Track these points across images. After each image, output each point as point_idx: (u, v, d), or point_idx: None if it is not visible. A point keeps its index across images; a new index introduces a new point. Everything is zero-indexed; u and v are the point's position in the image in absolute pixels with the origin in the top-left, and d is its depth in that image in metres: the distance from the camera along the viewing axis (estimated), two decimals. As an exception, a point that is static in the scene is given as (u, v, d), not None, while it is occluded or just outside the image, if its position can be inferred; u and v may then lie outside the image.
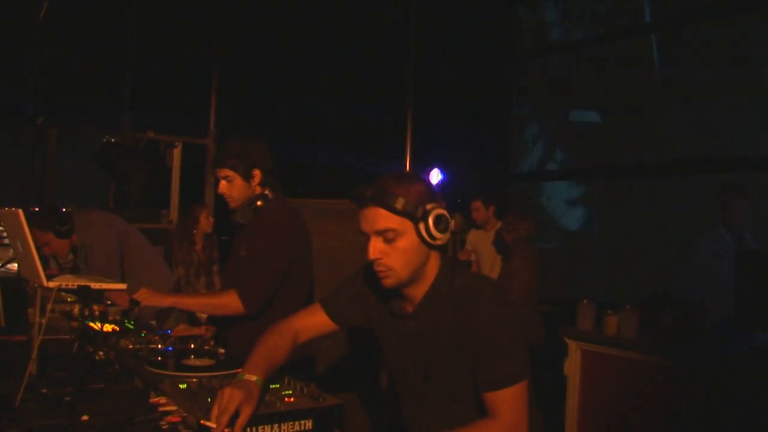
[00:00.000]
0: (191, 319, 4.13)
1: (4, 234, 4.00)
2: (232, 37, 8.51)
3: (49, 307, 2.24)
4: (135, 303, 2.78)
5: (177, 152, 8.18)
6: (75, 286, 2.35)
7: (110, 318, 2.55)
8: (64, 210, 4.08)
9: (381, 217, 1.82)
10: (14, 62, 7.88)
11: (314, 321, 2.19)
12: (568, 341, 4.37)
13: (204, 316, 3.43)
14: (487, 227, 6.08)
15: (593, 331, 4.32)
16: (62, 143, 7.72)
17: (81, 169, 8.54)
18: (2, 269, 3.66)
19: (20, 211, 2.15)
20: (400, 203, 1.79)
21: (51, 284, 2.23)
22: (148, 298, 2.73)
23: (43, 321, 2.15)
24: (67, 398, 1.94)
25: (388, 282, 1.87)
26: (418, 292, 1.93)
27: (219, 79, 8.58)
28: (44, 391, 2.01)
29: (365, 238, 1.86)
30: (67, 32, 8.32)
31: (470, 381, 1.88)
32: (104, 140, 7.96)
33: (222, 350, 2.47)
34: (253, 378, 1.85)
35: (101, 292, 2.79)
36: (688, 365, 3.87)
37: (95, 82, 8.93)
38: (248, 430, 1.69)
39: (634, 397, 4.07)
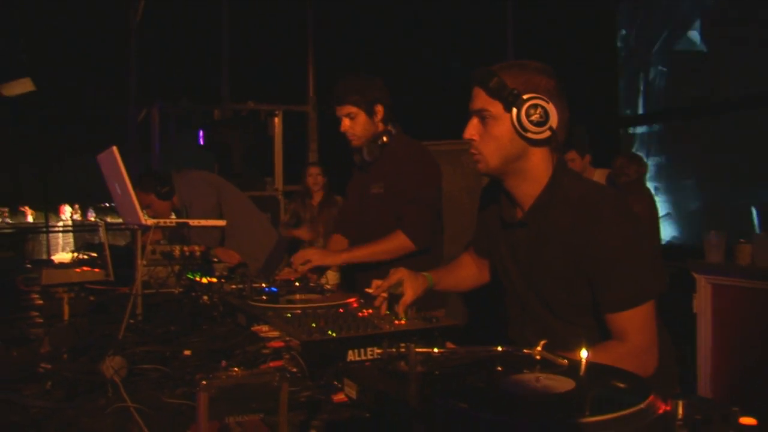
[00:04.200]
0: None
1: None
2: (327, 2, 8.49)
3: (149, 247, 2.18)
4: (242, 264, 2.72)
5: (278, 120, 8.31)
6: (173, 223, 2.31)
7: (209, 253, 2.48)
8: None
9: (478, 96, 1.73)
10: (117, 40, 8.11)
11: (475, 261, 2.25)
12: (697, 276, 4.06)
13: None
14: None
15: (724, 264, 3.99)
16: (166, 122, 7.95)
17: (185, 144, 8.77)
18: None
19: (115, 148, 2.11)
20: (494, 83, 1.67)
21: (149, 222, 2.19)
22: (320, 257, 2.68)
23: (144, 261, 2.10)
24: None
25: (479, 167, 1.77)
26: (527, 194, 1.76)
27: (316, 45, 8.61)
28: (148, 328, 1.97)
29: None
30: (166, 9, 8.50)
31: (586, 300, 1.70)
32: (207, 119, 8.19)
33: (329, 286, 2.37)
34: (425, 274, 2.03)
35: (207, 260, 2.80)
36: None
37: (194, 59, 9.09)
38: (355, 351, 1.57)
39: (774, 333, 3.73)
